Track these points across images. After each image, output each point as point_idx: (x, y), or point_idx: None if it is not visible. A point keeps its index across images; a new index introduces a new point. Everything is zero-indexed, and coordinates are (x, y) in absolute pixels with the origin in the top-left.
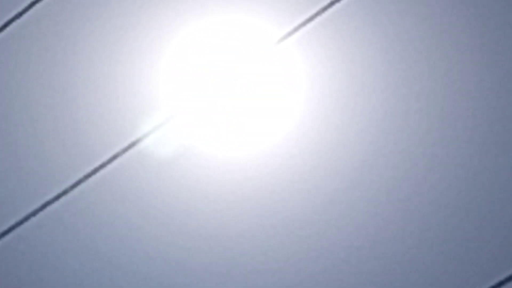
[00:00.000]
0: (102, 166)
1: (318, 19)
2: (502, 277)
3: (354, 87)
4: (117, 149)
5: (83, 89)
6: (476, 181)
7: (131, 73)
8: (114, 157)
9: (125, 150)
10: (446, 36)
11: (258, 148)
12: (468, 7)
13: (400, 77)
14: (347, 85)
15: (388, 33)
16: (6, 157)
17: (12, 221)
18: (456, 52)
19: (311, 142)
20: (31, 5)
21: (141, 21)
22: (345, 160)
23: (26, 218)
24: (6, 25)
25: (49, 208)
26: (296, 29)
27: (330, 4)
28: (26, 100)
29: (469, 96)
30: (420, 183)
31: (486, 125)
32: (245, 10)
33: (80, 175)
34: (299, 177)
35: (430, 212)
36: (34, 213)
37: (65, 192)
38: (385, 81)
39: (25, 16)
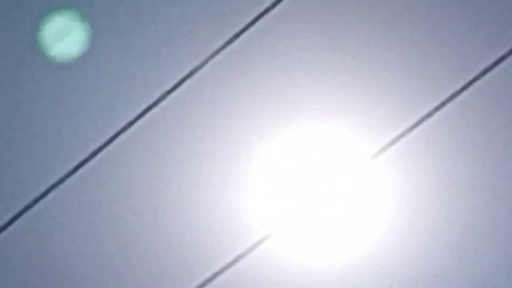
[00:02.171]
0: (203, 285)
1: (411, 135)
2: None
3: (445, 201)
4: (214, 270)
5: (179, 214)
6: None
7: (224, 192)
8: (214, 275)
9: (223, 269)
10: None
11: (349, 260)
12: None
13: (491, 192)
14: (437, 197)
15: (476, 148)
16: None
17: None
18: None
19: (400, 254)
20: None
21: (233, 137)
22: (430, 270)
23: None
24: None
25: None
26: (390, 144)
27: (422, 120)
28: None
29: None
30: None
31: None
32: (339, 124)
33: None
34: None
35: None
36: None
37: None
38: (476, 198)
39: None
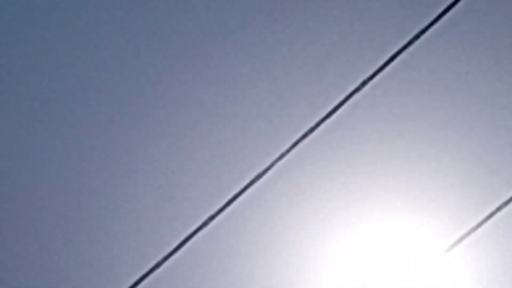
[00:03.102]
0: None
1: (484, 227)
2: None
3: None
4: None
5: None
6: None
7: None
8: None
9: None
10: None
11: None
12: None
13: None
14: None
15: None
16: None
17: None
18: None
19: None
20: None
21: (306, 231)
22: None
23: None
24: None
25: None
26: (464, 237)
27: (493, 214)
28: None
29: None
30: None
31: None
32: (413, 218)
33: None
34: None
35: None
36: None
37: None
38: None
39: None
